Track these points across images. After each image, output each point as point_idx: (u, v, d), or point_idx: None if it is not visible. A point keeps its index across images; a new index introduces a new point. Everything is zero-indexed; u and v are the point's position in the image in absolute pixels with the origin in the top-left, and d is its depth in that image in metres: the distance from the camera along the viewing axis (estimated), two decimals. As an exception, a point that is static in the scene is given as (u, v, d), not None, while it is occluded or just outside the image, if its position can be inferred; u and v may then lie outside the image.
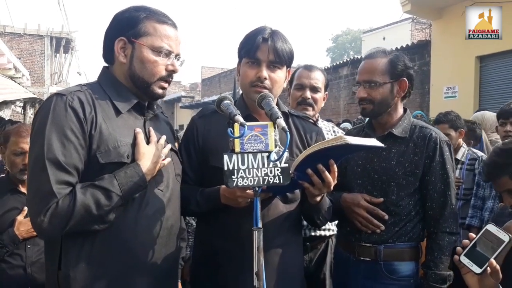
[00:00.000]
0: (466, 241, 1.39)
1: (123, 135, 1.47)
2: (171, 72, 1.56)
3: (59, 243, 1.43)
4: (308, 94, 2.41)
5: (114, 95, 1.53)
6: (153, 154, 1.49)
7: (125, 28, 1.52)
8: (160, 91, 1.56)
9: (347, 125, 6.92)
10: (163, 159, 1.54)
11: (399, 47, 9.65)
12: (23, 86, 10.57)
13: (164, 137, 1.59)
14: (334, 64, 12.59)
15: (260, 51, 1.65)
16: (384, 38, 19.75)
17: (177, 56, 1.58)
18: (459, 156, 3.52)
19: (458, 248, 1.39)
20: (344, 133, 2.62)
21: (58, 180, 1.34)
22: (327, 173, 1.51)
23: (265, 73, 1.66)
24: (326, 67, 12.53)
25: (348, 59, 12.06)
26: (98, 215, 1.38)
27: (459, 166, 3.51)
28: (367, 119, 2.09)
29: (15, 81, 10.04)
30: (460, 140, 3.57)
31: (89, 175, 1.41)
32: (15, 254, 2.30)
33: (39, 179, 1.34)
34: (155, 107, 1.66)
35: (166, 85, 1.58)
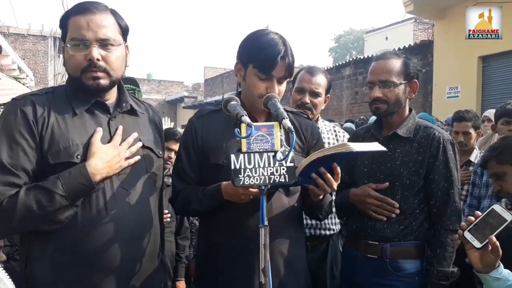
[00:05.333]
0: (471, 217, 1.46)
1: (77, 136, 1.47)
2: (90, 61, 1.48)
3: (26, 243, 1.48)
4: (307, 99, 2.41)
5: (72, 96, 1.54)
6: (107, 153, 1.46)
7: (62, 33, 1.55)
8: (91, 82, 1.50)
9: (350, 125, 6.92)
10: (128, 158, 1.53)
11: (401, 47, 9.66)
12: (27, 86, 10.63)
13: (133, 135, 1.57)
14: (337, 64, 12.60)
15: (276, 70, 1.65)
16: (386, 38, 19.76)
17: (99, 40, 1.48)
18: (472, 158, 3.49)
19: (463, 224, 1.47)
20: (346, 134, 2.65)
21: (2, 182, 1.37)
22: (329, 175, 1.55)
23: (276, 89, 1.68)
24: (328, 67, 12.55)
25: (351, 59, 12.08)
26: (43, 215, 1.39)
27: (471, 168, 3.51)
28: (371, 119, 2.13)
29: (19, 82, 10.11)
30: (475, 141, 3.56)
31: (43, 175, 1.42)
32: None
33: None
34: (123, 104, 1.62)
35: (95, 74, 1.49)
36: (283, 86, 1.72)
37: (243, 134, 1.37)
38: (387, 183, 1.94)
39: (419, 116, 6.52)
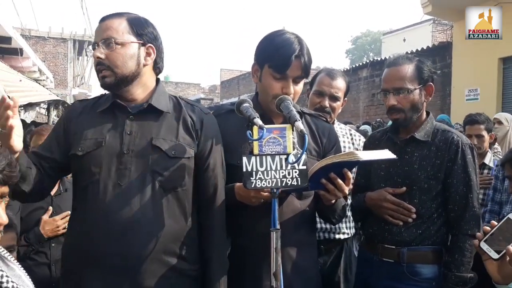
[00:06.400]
0: (486, 227, 1.41)
1: (91, 132, 1.61)
2: (97, 60, 1.59)
3: None
4: (327, 102, 2.38)
5: (103, 98, 1.69)
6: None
7: None
8: (100, 79, 1.61)
9: (367, 127, 6.85)
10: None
11: (419, 49, 9.55)
12: (47, 88, 10.82)
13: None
14: (354, 66, 12.52)
15: (291, 69, 1.65)
16: (404, 40, 19.55)
17: (102, 40, 1.57)
18: (486, 160, 3.46)
19: (478, 234, 1.42)
20: (361, 137, 2.61)
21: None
22: (339, 180, 1.53)
23: (291, 89, 1.67)
24: (345, 69, 12.48)
25: (368, 61, 11.97)
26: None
27: (485, 171, 3.45)
28: (390, 122, 2.10)
29: (39, 84, 10.29)
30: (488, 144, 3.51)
31: (68, 164, 1.64)
32: (40, 252, 2.39)
33: None
34: (143, 104, 1.63)
35: (101, 72, 1.59)
36: (300, 87, 1.71)
37: (255, 136, 1.37)
38: (404, 188, 1.92)
39: (438, 118, 6.46)
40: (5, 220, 1.11)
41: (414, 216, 1.90)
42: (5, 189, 1.11)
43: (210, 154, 1.64)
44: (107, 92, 1.67)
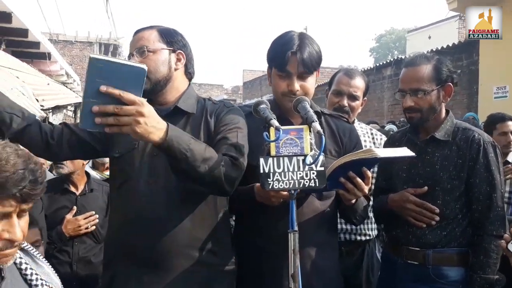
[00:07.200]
0: None
1: (126, 136, 1.63)
2: None
3: None
4: (346, 102, 2.36)
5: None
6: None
7: None
8: None
9: (392, 127, 6.74)
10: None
11: (445, 46, 9.34)
12: (73, 91, 11.09)
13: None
14: (378, 64, 12.35)
15: (290, 65, 1.69)
16: (429, 37, 19.17)
17: (136, 50, 1.66)
18: (510, 158, 3.38)
19: (506, 236, 1.41)
20: (383, 136, 2.57)
21: None
22: (358, 179, 1.52)
23: (296, 86, 1.69)
24: (369, 68, 12.32)
25: (392, 59, 11.81)
26: None
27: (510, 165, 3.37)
28: None
29: (66, 87, 10.56)
30: None
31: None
32: (63, 251, 2.45)
33: None
34: (170, 106, 1.68)
35: None
36: (309, 83, 1.73)
37: (272, 137, 1.36)
38: (425, 188, 1.88)
39: (465, 116, 6.28)
40: (18, 237, 1.03)
41: (437, 218, 1.86)
42: (24, 206, 1.03)
43: None
44: None
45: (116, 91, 1.25)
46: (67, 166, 2.57)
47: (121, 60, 1.28)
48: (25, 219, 1.07)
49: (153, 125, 1.32)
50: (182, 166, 1.42)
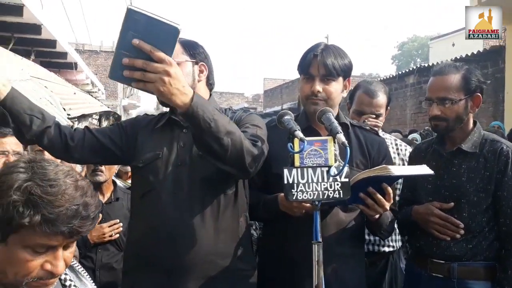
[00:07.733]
0: None
1: (149, 146, 1.71)
2: None
3: None
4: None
5: (162, 115, 1.80)
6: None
7: None
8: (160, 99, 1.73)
9: (416, 136, 6.63)
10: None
11: (469, 54, 9.18)
12: (98, 100, 11.32)
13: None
14: (400, 72, 12.21)
15: (312, 67, 1.74)
16: (453, 45, 18.89)
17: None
18: None
19: None
20: (408, 147, 2.54)
21: None
22: (378, 195, 1.52)
23: (318, 87, 1.72)
24: (391, 76, 12.20)
25: (415, 67, 11.64)
26: None
27: None
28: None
29: (91, 96, 10.80)
30: None
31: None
32: (87, 257, 2.50)
33: None
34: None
35: None
36: (333, 87, 1.75)
37: (296, 148, 1.37)
38: (452, 204, 1.86)
39: (491, 125, 6.12)
40: (60, 271, 0.99)
41: (462, 232, 1.83)
42: (72, 240, 1.00)
43: None
44: (166, 109, 1.79)
45: (148, 46, 1.23)
46: (105, 174, 2.61)
47: (157, 16, 1.23)
48: (72, 249, 1.03)
49: (177, 88, 1.29)
50: (206, 137, 1.39)
